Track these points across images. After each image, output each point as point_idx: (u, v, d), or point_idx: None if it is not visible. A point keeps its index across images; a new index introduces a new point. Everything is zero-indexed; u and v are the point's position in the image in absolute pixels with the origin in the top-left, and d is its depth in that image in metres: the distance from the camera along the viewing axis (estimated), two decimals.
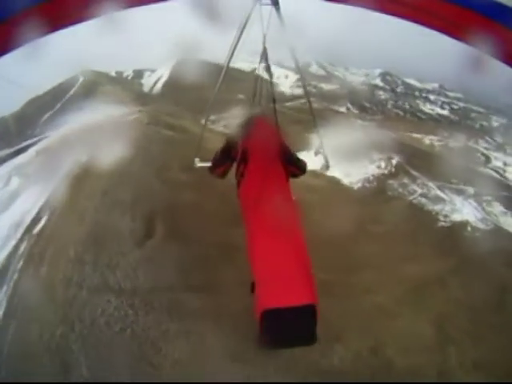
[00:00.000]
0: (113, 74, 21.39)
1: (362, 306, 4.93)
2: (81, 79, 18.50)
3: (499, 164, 12.60)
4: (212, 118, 14.77)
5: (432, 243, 7.20)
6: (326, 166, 5.44)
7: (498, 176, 11.67)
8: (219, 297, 4.76)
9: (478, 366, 4.54)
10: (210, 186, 5.97)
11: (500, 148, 14.09)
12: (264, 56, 3.96)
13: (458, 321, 5.18)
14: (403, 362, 4.30)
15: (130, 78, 21.96)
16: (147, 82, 21.20)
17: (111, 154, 6.21)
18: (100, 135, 7.63)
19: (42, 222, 6.10)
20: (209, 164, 4.17)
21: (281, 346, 3.21)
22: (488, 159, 12.94)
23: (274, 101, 4.19)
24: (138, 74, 22.12)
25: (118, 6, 2.68)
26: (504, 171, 12.10)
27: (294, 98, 20.66)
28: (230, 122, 15.13)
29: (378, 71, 29.94)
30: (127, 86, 19.61)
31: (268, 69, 4.10)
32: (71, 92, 17.68)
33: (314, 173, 7.35)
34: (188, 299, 4.80)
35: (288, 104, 19.56)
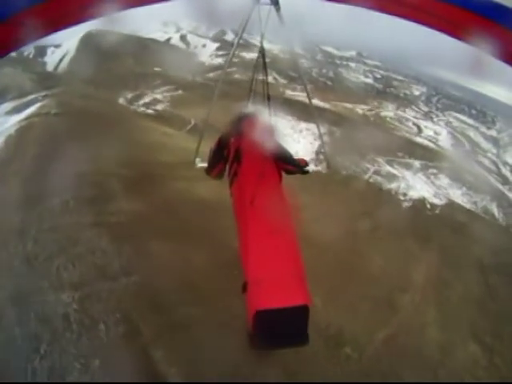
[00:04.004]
0: (12, 53, 16.64)
1: (418, 342, 4.17)
2: None
3: (431, 133, 13.23)
4: (129, 95, 12.21)
5: (412, 233, 6.86)
6: (328, 166, 5.96)
7: (433, 146, 12.20)
8: None
9: None
10: (173, 216, 4.21)
11: (427, 117, 14.87)
12: (262, 56, 4.13)
13: (480, 321, 4.94)
14: None
15: (31, 56, 17.59)
16: (51, 59, 17.27)
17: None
18: None
19: None
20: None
21: (273, 347, 3.04)
22: (420, 129, 13.47)
23: (269, 98, 4.14)
24: (40, 50, 17.78)
25: (119, 6, 2.68)
26: (437, 140, 12.73)
27: (215, 68, 19.14)
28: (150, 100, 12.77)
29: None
30: (28, 67, 15.35)
31: (265, 67, 4.20)
32: None
33: None
34: None
35: (211, 75, 18.05)
